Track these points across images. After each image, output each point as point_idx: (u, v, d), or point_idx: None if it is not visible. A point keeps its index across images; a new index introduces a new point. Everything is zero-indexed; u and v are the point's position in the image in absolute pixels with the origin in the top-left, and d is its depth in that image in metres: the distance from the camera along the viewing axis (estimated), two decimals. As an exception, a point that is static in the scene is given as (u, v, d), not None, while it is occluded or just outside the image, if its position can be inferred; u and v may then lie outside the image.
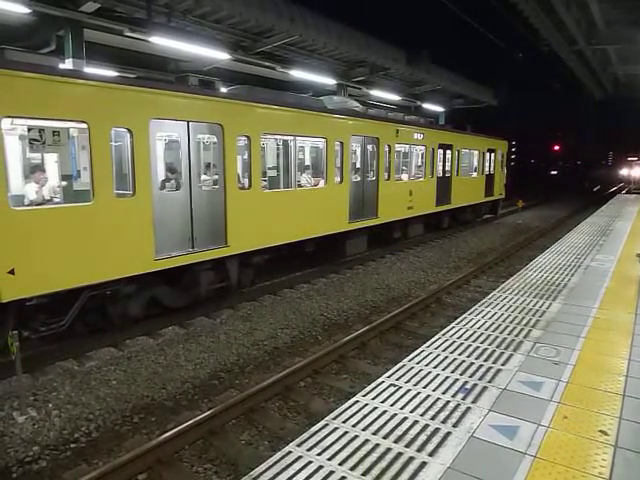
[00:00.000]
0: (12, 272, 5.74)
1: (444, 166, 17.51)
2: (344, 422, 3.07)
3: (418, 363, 3.99)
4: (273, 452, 4.47)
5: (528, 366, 3.90)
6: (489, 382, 3.62)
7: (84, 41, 9.91)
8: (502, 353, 4.17)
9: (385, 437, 2.90)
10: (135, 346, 7.46)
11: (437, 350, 4.25)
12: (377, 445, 2.82)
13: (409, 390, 3.50)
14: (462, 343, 4.41)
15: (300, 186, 11.11)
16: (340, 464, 2.63)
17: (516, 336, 4.57)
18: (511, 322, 4.98)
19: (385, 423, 3.06)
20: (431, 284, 11.50)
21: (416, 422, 3.07)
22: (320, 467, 2.61)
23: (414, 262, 13.72)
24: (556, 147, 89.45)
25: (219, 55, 11.74)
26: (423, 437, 2.90)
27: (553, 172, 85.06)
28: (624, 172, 59.07)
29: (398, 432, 2.96)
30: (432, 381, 3.64)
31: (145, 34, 9.97)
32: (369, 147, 13.34)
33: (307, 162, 12.96)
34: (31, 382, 6.19)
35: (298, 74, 14.82)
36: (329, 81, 16.21)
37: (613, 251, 8.79)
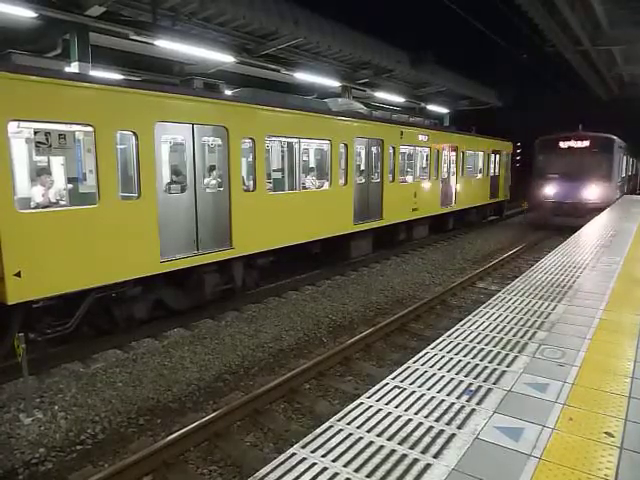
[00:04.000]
0: (18, 275, 5.78)
1: (449, 168, 17.50)
2: (349, 424, 3.07)
3: (423, 365, 3.98)
4: (278, 454, 4.48)
5: (533, 368, 3.88)
6: (494, 384, 3.61)
7: (90, 44, 9.97)
8: (507, 355, 4.16)
9: (390, 439, 2.90)
10: (140, 348, 7.49)
11: (442, 352, 4.24)
12: (382, 447, 2.81)
13: (414, 392, 3.50)
14: (467, 345, 4.40)
15: (305, 188, 11.13)
16: (345, 466, 2.63)
17: (521, 338, 4.55)
18: (516, 324, 4.96)
19: (390, 425, 3.06)
20: (436, 286, 11.47)
21: (421, 424, 3.06)
22: (325, 469, 2.60)
23: (419, 264, 13.70)
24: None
25: (224, 58, 11.79)
26: (428, 439, 2.89)
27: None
28: (551, 189, 19.63)
29: (403, 434, 2.95)
30: (437, 383, 3.63)
31: (150, 37, 10.04)
32: (373, 149, 13.36)
33: (311, 164, 12.99)
34: (37, 384, 6.22)
35: (302, 76, 14.86)
36: (333, 83, 16.24)
37: (619, 252, 8.74)
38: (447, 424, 3.05)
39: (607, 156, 19.18)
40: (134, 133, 7.03)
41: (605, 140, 19.37)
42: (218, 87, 8.64)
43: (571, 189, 19.22)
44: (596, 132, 19.52)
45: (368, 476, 2.54)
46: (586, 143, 19.24)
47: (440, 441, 2.87)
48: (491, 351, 4.25)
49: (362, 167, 13.58)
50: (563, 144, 19.70)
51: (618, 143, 20.09)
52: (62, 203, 7.30)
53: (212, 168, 9.15)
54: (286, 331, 8.28)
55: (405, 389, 3.55)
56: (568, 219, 18.30)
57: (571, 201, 19.06)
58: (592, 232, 11.57)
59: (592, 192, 18.89)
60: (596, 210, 16.70)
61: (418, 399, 3.39)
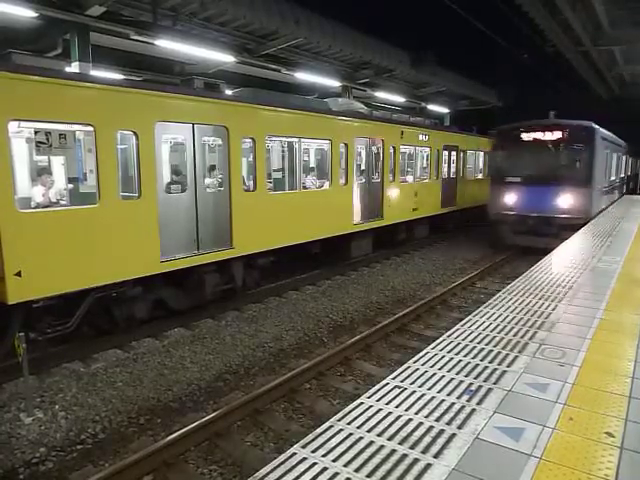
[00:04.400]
0: (19, 274, 5.78)
1: (449, 167, 17.50)
2: (349, 423, 3.07)
3: (423, 365, 3.97)
4: (278, 454, 4.47)
5: (534, 368, 3.88)
6: (494, 384, 3.61)
7: (90, 44, 9.97)
8: (507, 355, 4.15)
9: (390, 439, 2.90)
10: (141, 348, 7.49)
11: (442, 352, 4.24)
12: (382, 447, 2.81)
13: (414, 392, 3.50)
14: (467, 345, 4.40)
15: (305, 188, 11.13)
16: (345, 465, 2.63)
17: (522, 338, 4.55)
18: (517, 324, 4.96)
19: (390, 425, 3.06)
20: (436, 286, 11.47)
21: (421, 424, 3.06)
22: (325, 469, 2.60)
23: (419, 264, 13.69)
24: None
25: (224, 58, 11.78)
26: (428, 439, 2.89)
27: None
28: (510, 198, 14.51)
29: (403, 434, 2.95)
30: (437, 383, 3.63)
31: (151, 37, 10.03)
32: (374, 149, 13.36)
33: (312, 164, 12.98)
34: (38, 384, 6.23)
35: (303, 76, 14.85)
36: (334, 83, 16.23)
37: (619, 252, 8.73)
38: (447, 424, 3.05)
39: (585, 152, 13.89)
40: (134, 133, 7.03)
41: (583, 130, 14.05)
42: (219, 87, 8.64)
43: (537, 198, 14.01)
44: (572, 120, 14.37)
45: (368, 476, 2.54)
46: (558, 134, 13.91)
47: (440, 441, 2.87)
48: (491, 351, 4.25)
49: (362, 167, 13.58)
50: (527, 136, 14.34)
51: (601, 135, 14.90)
52: (62, 203, 7.31)
53: (212, 168, 9.15)
54: (286, 331, 8.28)
55: (405, 389, 3.54)
56: (534, 239, 14.02)
57: (537, 214, 13.98)
58: (593, 232, 11.56)
59: (564, 202, 13.72)
60: (570, 227, 12.79)
61: (418, 399, 3.39)
